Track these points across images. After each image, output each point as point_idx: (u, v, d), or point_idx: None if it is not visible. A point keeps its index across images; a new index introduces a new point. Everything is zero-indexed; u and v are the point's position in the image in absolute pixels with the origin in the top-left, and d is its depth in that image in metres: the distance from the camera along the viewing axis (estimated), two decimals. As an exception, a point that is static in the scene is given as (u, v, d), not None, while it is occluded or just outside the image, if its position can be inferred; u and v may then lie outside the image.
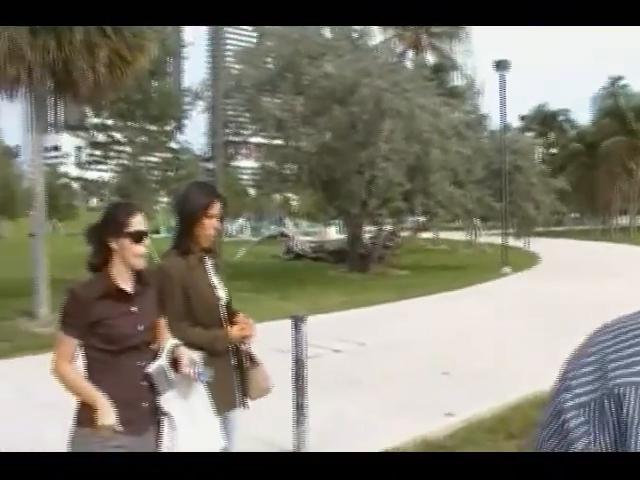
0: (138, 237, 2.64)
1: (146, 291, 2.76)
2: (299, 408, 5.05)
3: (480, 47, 47.30)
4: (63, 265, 16.86)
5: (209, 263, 3.22)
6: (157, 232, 22.13)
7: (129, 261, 2.66)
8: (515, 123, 52.68)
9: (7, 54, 11.59)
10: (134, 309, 2.68)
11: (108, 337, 2.59)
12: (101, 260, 2.69)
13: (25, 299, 14.08)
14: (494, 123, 29.28)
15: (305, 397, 5.05)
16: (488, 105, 34.51)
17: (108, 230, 2.66)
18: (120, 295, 2.65)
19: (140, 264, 2.68)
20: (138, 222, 2.66)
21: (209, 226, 3.10)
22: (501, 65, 23.63)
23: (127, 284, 2.69)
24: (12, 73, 11.81)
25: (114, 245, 2.65)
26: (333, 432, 5.59)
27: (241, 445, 3.35)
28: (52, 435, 5.75)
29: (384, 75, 19.17)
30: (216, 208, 3.12)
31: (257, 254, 28.03)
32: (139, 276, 2.74)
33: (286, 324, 5.32)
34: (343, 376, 7.83)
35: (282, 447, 5.15)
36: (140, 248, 2.65)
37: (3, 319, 12.72)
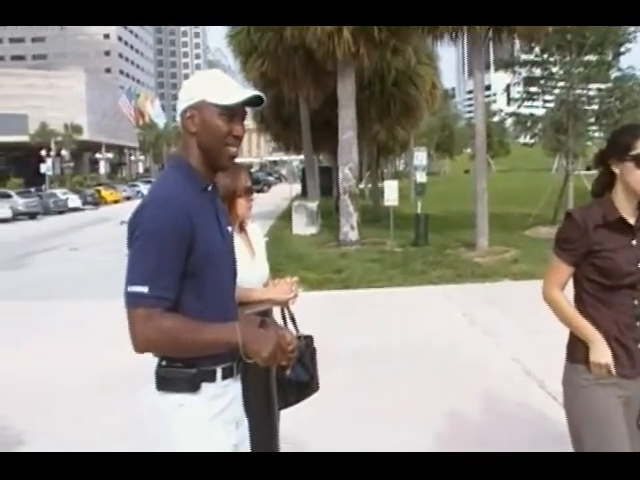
0: None
1: None
2: None
3: None
4: (495, 200, 17.27)
5: None
6: (589, 169, 20.99)
7: (632, 187, 2.36)
8: None
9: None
10: (635, 243, 2.39)
11: (604, 270, 2.35)
12: (603, 186, 2.45)
13: (466, 230, 14.87)
14: None
15: None
16: None
17: (612, 154, 2.40)
18: (621, 225, 2.38)
19: None
20: None
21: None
22: None
23: (630, 214, 2.40)
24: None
25: (616, 170, 2.38)
26: None
27: None
28: (493, 357, 5.99)
29: None
30: None
31: None
32: None
33: None
34: None
35: None
36: None
37: (447, 248, 13.68)
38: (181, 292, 1.83)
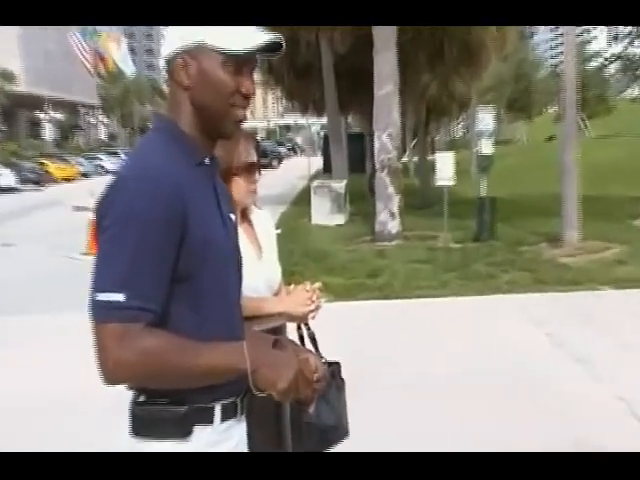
0: None
1: None
2: None
3: None
4: (591, 178, 17.15)
5: None
6: None
7: None
8: None
9: None
10: None
11: None
12: None
13: (548, 219, 14.79)
14: None
15: None
16: None
17: None
18: None
19: None
20: None
21: None
22: None
23: None
24: None
25: None
26: None
27: None
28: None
29: None
30: None
31: None
32: None
33: None
34: None
35: None
36: None
37: (523, 244, 13.69)
38: (169, 301, 1.83)
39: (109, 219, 1.79)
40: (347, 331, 7.88)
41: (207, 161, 1.99)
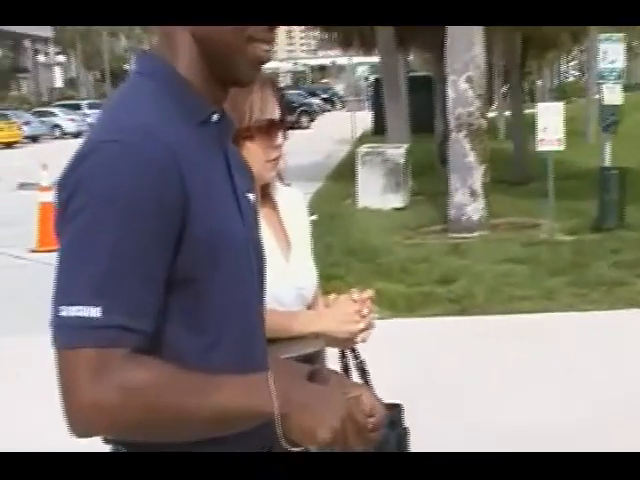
0: None
1: None
2: None
3: None
4: None
5: None
6: None
7: None
8: None
9: None
10: None
11: None
12: None
13: None
14: None
15: None
16: None
17: None
18: None
19: None
20: None
21: None
22: None
23: None
24: None
25: None
26: None
27: None
28: None
29: None
30: None
31: None
32: None
33: None
34: None
35: None
36: None
37: None
38: (164, 316, 1.81)
39: (78, 202, 1.73)
40: (409, 359, 7.86)
41: (215, 118, 1.96)
